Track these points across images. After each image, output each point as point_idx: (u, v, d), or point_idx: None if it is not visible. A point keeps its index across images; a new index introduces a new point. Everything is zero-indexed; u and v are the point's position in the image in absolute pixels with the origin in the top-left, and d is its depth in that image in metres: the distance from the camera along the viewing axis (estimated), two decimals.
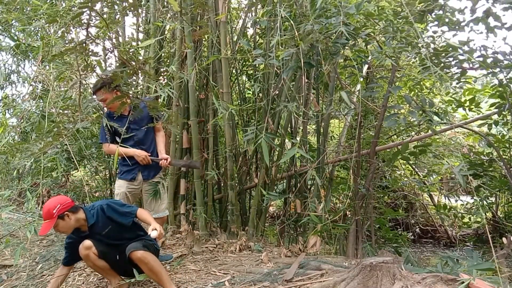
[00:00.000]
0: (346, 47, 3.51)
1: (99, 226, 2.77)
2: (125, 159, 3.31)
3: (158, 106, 3.04)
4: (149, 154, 3.39)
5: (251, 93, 5.60)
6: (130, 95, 2.96)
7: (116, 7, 2.49)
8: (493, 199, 5.72)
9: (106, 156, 5.81)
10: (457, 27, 3.18)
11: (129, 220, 2.79)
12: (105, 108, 3.52)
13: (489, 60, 3.13)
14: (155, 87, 3.74)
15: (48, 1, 5.04)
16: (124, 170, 3.38)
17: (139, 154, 3.33)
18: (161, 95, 3.86)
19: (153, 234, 2.57)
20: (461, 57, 3.02)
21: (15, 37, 6.07)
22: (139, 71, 2.61)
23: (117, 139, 3.24)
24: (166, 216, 3.79)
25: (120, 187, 3.38)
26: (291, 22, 3.11)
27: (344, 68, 4.58)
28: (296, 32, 3.02)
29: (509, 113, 3.79)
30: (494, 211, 5.81)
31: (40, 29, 5.54)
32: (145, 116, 3.31)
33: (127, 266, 2.68)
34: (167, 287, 2.71)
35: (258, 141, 3.02)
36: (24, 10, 5.08)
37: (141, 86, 4.84)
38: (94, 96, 3.44)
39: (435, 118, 2.97)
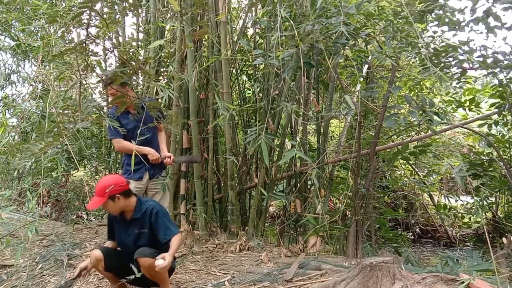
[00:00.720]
0: (346, 47, 3.51)
1: (139, 223, 2.75)
2: (129, 158, 3.30)
3: (159, 106, 3.05)
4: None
5: (251, 93, 5.60)
6: (133, 94, 2.96)
7: (116, 7, 2.49)
8: (493, 199, 5.71)
9: (106, 156, 5.82)
10: (457, 27, 3.18)
11: (167, 237, 2.68)
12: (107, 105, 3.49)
13: (489, 60, 3.13)
14: (156, 87, 3.74)
15: (48, 1, 5.04)
16: (130, 169, 3.37)
17: (154, 153, 3.34)
18: (162, 96, 3.86)
19: (158, 262, 2.46)
20: (461, 57, 3.02)
21: (15, 37, 6.07)
22: (139, 71, 2.61)
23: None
24: None
25: None
26: (291, 22, 3.11)
27: (344, 68, 4.58)
28: (296, 32, 3.02)
29: (509, 113, 3.79)
30: (494, 211, 5.81)
31: (40, 29, 5.53)
32: (149, 115, 3.30)
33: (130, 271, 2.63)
34: None
35: (258, 141, 3.02)
36: (24, 10, 5.09)
37: (141, 86, 4.84)
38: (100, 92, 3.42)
39: (435, 118, 2.97)
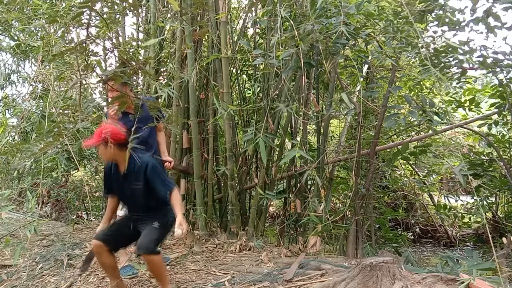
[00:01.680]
0: (346, 47, 3.51)
1: (133, 177, 2.74)
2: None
3: (159, 106, 3.04)
4: (152, 153, 3.39)
5: (251, 93, 5.60)
6: (132, 95, 2.96)
7: (116, 7, 2.49)
8: (493, 199, 5.71)
9: None
10: (457, 27, 3.18)
11: (164, 193, 2.69)
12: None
13: (489, 60, 3.14)
14: (155, 87, 3.74)
15: (48, 1, 5.04)
16: None
17: (171, 159, 3.57)
18: (161, 95, 3.86)
19: (177, 232, 2.51)
20: (461, 57, 3.02)
21: (15, 37, 6.07)
22: (139, 71, 2.61)
23: None
24: None
25: None
26: (291, 22, 3.11)
27: (344, 68, 4.58)
28: (296, 32, 3.02)
29: (509, 113, 3.79)
30: (494, 211, 5.81)
31: (40, 29, 5.54)
32: (148, 115, 3.30)
33: (135, 238, 2.70)
34: None
35: (256, 140, 3.02)
36: (24, 10, 5.09)
37: (141, 86, 4.83)
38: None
39: (435, 118, 2.97)
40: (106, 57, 4.97)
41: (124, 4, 2.42)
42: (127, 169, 2.72)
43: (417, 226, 7.27)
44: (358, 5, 3.00)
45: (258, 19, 4.39)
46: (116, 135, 2.68)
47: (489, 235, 2.54)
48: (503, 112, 3.81)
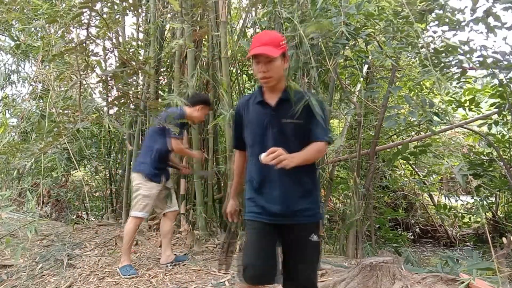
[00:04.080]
0: (347, 47, 3.51)
1: (288, 110, 1.84)
2: (159, 163, 3.38)
3: (159, 106, 3.04)
4: (153, 155, 3.42)
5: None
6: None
7: (116, 7, 2.49)
8: (493, 199, 5.72)
9: (106, 156, 5.82)
10: (457, 27, 3.18)
11: (319, 139, 1.81)
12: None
13: (489, 60, 3.14)
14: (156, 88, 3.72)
15: (48, 1, 5.04)
16: (155, 173, 3.40)
17: (199, 155, 3.84)
18: (161, 95, 3.86)
19: (262, 156, 1.64)
20: (461, 57, 3.02)
21: (15, 37, 6.07)
22: (139, 71, 2.61)
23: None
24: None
25: (152, 188, 3.37)
26: (295, 22, 3.11)
27: (344, 68, 4.58)
28: (296, 32, 3.02)
29: (509, 113, 3.79)
30: (494, 211, 5.81)
31: (40, 29, 5.54)
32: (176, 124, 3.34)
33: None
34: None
35: None
36: (25, 10, 5.09)
37: (141, 86, 4.83)
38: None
39: (435, 118, 2.97)
40: (106, 57, 4.98)
41: (124, 4, 2.42)
42: (281, 95, 1.86)
43: (417, 226, 7.27)
44: (358, 5, 3.00)
45: (258, 19, 4.38)
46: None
47: (488, 236, 2.54)
48: (503, 112, 3.81)
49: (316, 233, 1.83)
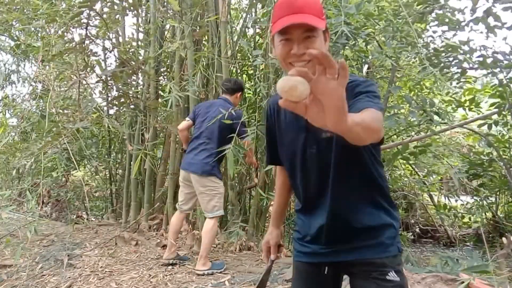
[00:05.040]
0: (346, 47, 3.51)
1: None
2: (220, 161, 3.40)
3: (158, 106, 3.05)
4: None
5: (251, 93, 5.60)
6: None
7: (116, 7, 2.49)
8: (493, 199, 5.71)
9: (106, 156, 5.82)
10: (457, 27, 3.18)
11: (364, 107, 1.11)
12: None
13: (489, 60, 3.14)
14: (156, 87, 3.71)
15: (48, 1, 5.04)
16: (218, 170, 3.42)
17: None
18: (161, 95, 3.86)
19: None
20: (460, 57, 3.02)
21: (15, 38, 6.07)
22: (139, 71, 2.61)
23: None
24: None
25: (222, 186, 3.42)
26: None
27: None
28: None
29: (509, 113, 3.79)
30: (494, 211, 5.81)
31: (40, 29, 5.53)
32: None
33: None
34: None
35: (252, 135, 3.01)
36: (25, 10, 5.08)
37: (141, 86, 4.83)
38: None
39: (436, 118, 2.97)
40: (106, 57, 4.98)
41: (124, 3, 2.42)
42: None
43: (417, 226, 7.27)
44: (358, 5, 3.00)
45: (259, 20, 4.38)
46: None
47: (488, 235, 2.54)
48: (503, 112, 3.81)
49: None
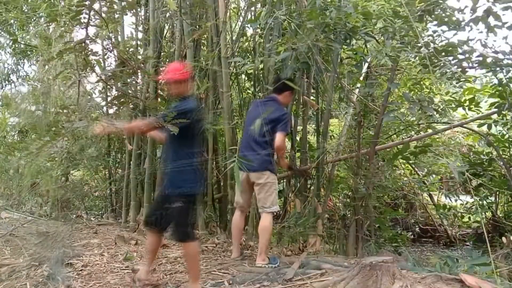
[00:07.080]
0: (346, 47, 3.51)
1: None
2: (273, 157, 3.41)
3: (158, 106, 3.05)
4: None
5: (251, 93, 5.60)
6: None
7: (115, 6, 2.49)
8: (492, 198, 5.71)
9: (106, 156, 5.81)
10: (457, 26, 3.18)
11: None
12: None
13: (489, 60, 3.14)
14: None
15: (47, 1, 5.04)
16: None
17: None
18: (161, 94, 3.86)
19: None
20: (460, 57, 3.02)
21: (14, 35, 6.06)
22: (138, 71, 2.61)
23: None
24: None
25: (277, 182, 3.45)
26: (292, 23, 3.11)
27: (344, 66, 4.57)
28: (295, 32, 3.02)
29: (509, 113, 3.79)
30: (494, 211, 5.81)
31: (39, 29, 5.53)
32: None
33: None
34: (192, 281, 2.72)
35: None
36: (24, 10, 5.09)
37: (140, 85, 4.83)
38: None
39: (435, 114, 2.97)
40: (105, 56, 4.97)
41: (123, 3, 2.42)
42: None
43: (417, 226, 7.26)
44: (356, 5, 3.00)
45: (257, 19, 4.37)
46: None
47: (488, 235, 2.54)
48: (503, 112, 3.81)
49: None
